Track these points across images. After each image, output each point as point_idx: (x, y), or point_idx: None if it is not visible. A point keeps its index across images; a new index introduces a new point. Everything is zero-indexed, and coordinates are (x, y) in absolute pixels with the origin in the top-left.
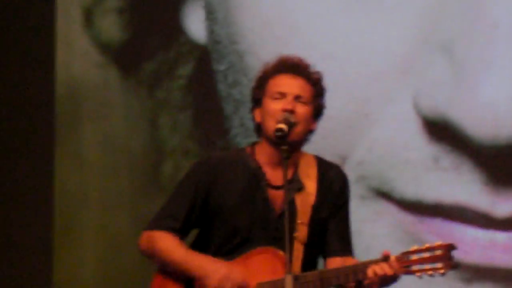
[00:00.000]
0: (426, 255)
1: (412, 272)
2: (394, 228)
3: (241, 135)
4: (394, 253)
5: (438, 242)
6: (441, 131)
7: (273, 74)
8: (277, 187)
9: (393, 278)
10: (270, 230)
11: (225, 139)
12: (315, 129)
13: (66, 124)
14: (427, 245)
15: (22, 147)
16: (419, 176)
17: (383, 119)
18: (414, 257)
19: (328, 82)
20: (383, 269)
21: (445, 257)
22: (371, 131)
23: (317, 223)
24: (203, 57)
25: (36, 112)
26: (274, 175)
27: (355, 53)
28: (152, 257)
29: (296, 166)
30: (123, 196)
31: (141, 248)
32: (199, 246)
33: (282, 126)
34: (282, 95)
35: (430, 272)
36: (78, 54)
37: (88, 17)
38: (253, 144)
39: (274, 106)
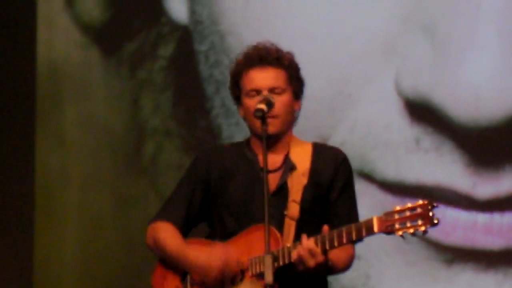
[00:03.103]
0: (407, 214)
1: (393, 231)
2: (375, 209)
3: (222, 115)
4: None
5: (419, 201)
6: (423, 112)
7: (244, 70)
8: (270, 171)
9: (316, 264)
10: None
11: (207, 119)
12: (300, 107)
13: (47, 103)
14: (408, 204)
15: (3, 127)
16: (401, 157)
17: (365, 100)
18: (396, 216)
19: (309, 63)
20: (298, 251)
21: (426, 214)
22: (353, 112)
23: (311, 202)
24: (185, 38)
25: (17, 91)
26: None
27: (336, 33)
28: (154, 248)
29: (288, 149)
30: (104, 176)
31: (146, 241)
32: (209, 236)
33: (262, 106)
34: (257, 92)
35: (411, 230)
36: (59, 34)
37: None
38: (249, 137)
39: (251, 104)
